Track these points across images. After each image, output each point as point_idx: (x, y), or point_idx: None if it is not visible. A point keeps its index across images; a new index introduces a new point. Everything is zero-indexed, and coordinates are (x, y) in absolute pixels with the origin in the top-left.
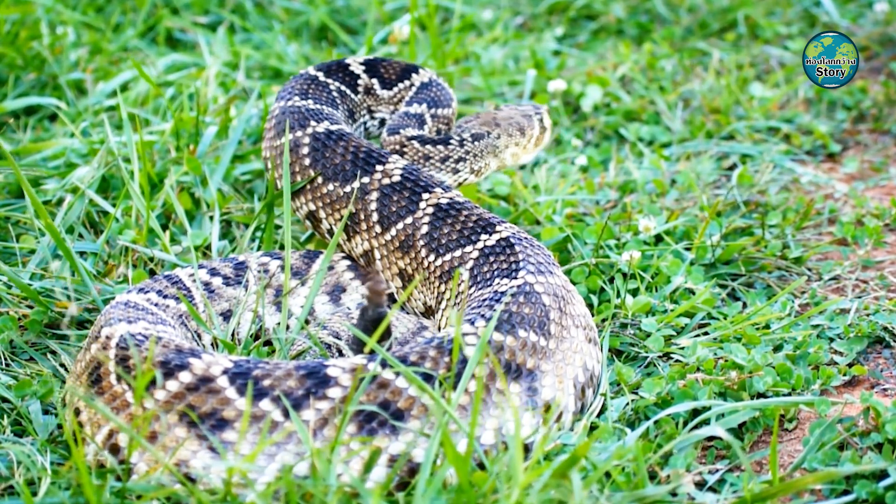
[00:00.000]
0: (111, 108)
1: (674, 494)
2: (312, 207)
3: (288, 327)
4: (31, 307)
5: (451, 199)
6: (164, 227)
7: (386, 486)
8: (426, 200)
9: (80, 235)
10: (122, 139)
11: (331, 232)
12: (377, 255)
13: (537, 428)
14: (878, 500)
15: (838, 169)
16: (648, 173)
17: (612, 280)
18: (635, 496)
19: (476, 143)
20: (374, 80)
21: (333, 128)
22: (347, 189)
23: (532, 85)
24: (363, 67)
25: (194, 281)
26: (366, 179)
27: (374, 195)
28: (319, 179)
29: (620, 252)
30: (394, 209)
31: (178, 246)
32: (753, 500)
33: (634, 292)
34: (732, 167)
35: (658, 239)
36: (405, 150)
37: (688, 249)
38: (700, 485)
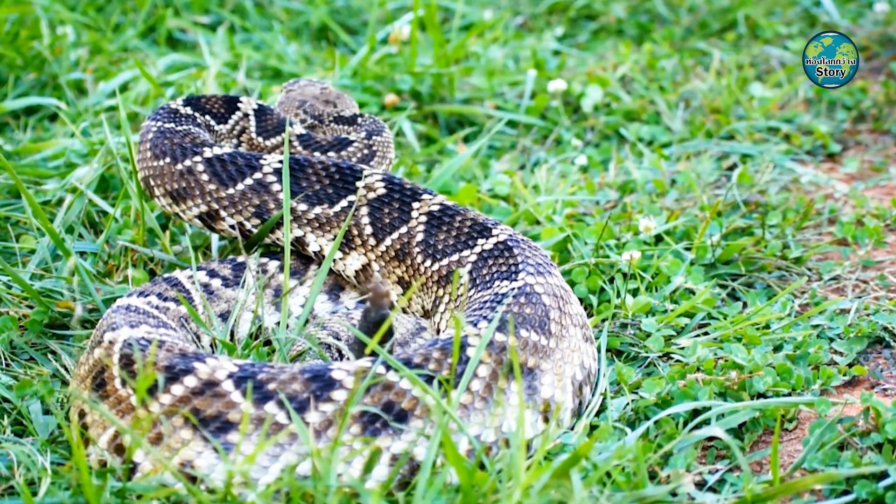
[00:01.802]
0: (111, 108)
1: (674, 494)
2: (300, 233)
3: (287, 326)
4: (31, 307)
5: (441, 204)
6: (164, 227)
7: (387, 485)
8: (418, 209)
9: (80, 235)
10: (121, 139)
11: (318, 253)
12: (375, 266)
13: (536, 425)
14: (878, 500)
15: (838, 169)
16: (648, 173)
17: (612, 280)
18: (635, 496)
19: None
20: (208, 117)
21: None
22: (337, 209)
23: (532, 85)
24: (189, 108)
25: (193, 283)
26: (353, 198)
27: (365, 210)
28: (304, 206)
29: (620, 252)
30: (387, 221)
31: (178, 246)
32: (754, 500)
33: (634, 292)
34: (732, 167)
35: (658, 239)
36: (373, 147)
37: (688, 249)
38: (700, 485)
